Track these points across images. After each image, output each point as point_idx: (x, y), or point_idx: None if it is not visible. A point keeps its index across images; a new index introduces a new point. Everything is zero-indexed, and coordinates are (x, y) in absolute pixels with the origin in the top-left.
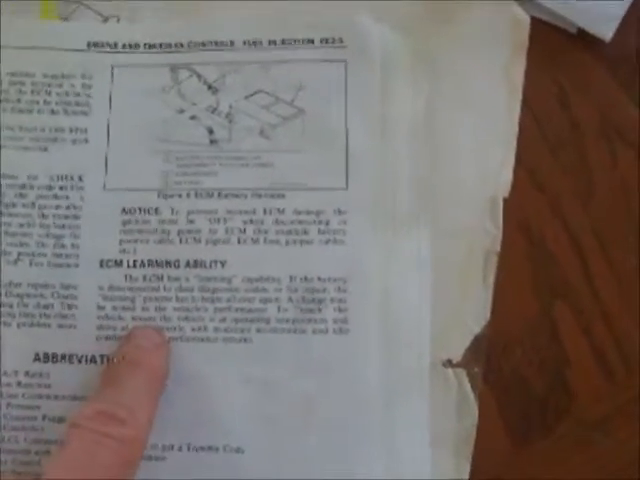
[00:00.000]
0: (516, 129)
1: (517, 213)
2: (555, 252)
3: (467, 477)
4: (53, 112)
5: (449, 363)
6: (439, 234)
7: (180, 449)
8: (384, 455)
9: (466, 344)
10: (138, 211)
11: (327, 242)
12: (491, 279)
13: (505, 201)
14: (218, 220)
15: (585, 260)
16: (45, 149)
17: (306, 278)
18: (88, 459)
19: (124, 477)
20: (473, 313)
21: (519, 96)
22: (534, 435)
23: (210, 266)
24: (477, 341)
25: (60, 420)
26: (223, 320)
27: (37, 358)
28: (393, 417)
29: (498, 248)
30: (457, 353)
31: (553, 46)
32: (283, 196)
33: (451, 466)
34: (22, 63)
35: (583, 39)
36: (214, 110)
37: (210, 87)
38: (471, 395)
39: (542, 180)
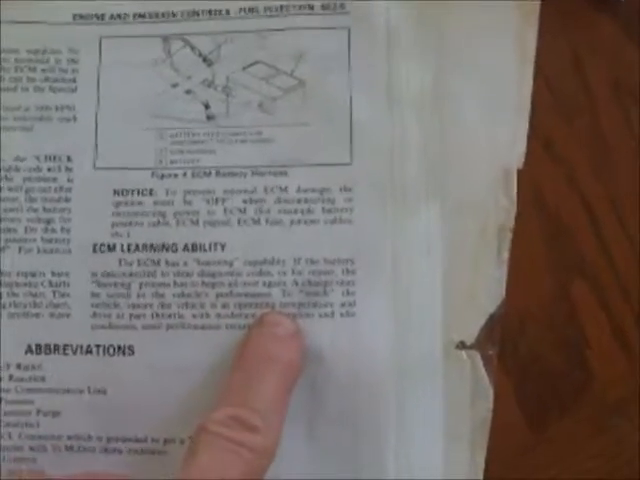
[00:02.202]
0: (529, 97)
1: (531, 186)
2: (571, 226)
3: (483, 463)
4: (38, 89)
5: (462, 345)
6: (450, 209)
7: (182, 442)
8: (395, 443)
9: (480, 324)
10: (131, 192)
11: (333, 222)
12: (505, 255)
13: (519, 173)
14: (216, 200)
15: (602, 234)
16: (31, 129)
17: (311, 260)
18: (220, 469)
19: None
20: (487, 292)
21: (531, 62)
22: (551, 418)
23: (209, 249)
24: (491, 321)
25: (55, 414)
26: (225, 306)
27: (29, 350)
28: (404, 403)
29: (512, 223)
30: (471, 334)
31: (566, 8)
32: (285, 173)
33: (466, 452)
34: (5, 39)
35: None
36: (210, 83)
37: (205, 59)
38: (485, 378)
39: (557, 150)
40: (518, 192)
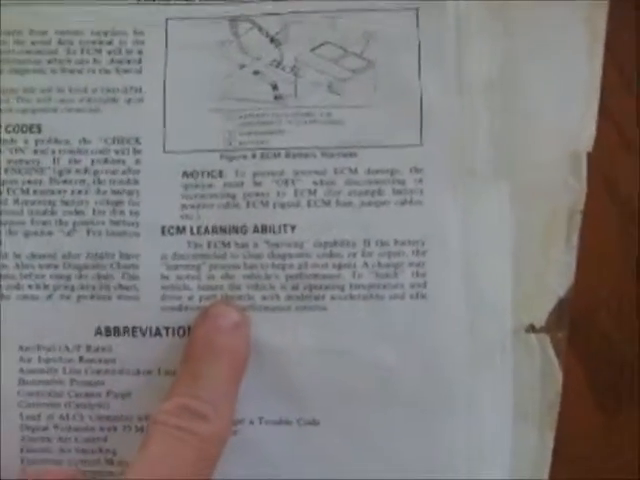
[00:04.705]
0: (598, 82)
1: (602, 169)
2: None
3: (551, 448)
4: (104, 71)
5: (532, 328)
6: (519, 192)
7: (252, 422)
8: (465, 427)
9: (549, 308)
10: (200, 174)
11: (403, 203)
12: (575, 239)
13: (589, 156)
14: (286, 182)
15: None
16: (97, 110)
17: (382, 241)
18: (171, 458)
19: (205, 476)
20: (556, 275)
21: (601, 44)
22: (623, 403)
23: (279, 231)
24: (561, 305)
25: (125, 396)
26: (295, 287)
27: (99, 332)
28: (475, 386)
29: (582, 207)
30: (540, 318)
31: None
32: (355, 155)
33: (535, 437)
34: (70, 21)
35: None
36: (278, 64)
37: (273, 40)
38: (555, 361)
39: (628, 133)
40: (589, 176)
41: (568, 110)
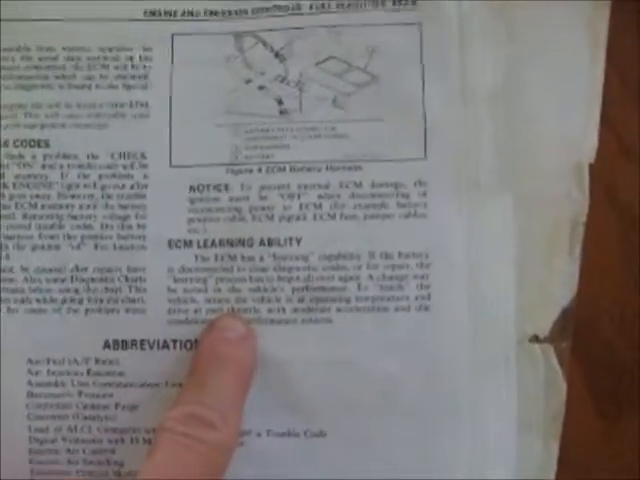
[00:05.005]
0: (600, 90)
1: (604, 180)
2: None
3: (556, 457)
4: (111, 87)
5: (536, 339)
6: (523, 203)
7: (259, 435)
8: (470, 437)
9: (553, 318)
10: (207, 188)
11: (407, 216)
12: (578, 249)
13: (591, 167)
14: (292, 195)
15: None
16: (105, 126)
17: (386, 254)
18: (178, 465)
19: None
20: (560, 286)
21: (603, 54)
22: (624, 410)
23: (285, 244)
24: (564, 315)
25: (133, 408)
26: (301, 300)
27: (107, 345)
28: (479, 397)
29: (584, 218)
30: (544, 328)
31: None
32: (359, 168)
33: (539, 446)
34: (77, 37)
35: None
36: (283, 79)
37: (277, 55)
38: (559, 371)
39: (630, 144)
40: (591, 186)
41: (570, 120)
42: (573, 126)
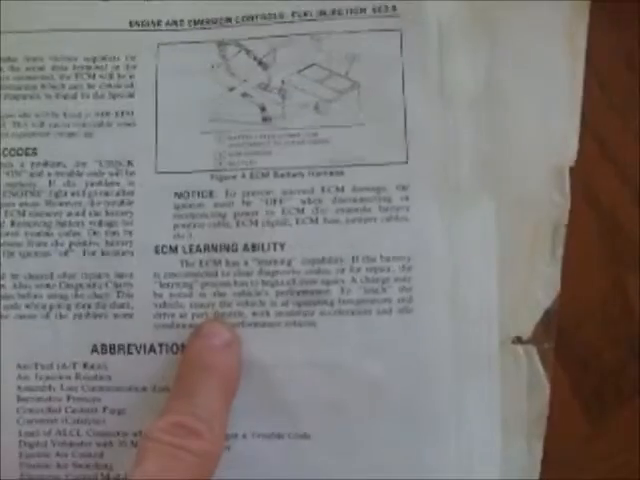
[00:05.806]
0: (580, 94)
1: (585, 183)
2: (625, 222)
3: (540, 458)
4: (98, 96)
5: (519, 340)
6: (505, 206)
7: (245, 437)
8: (454, 438)
9: (536, 319)
10: (192, 194)
11: (389, 219)
12: (560, 252)
13: (572, 170)
14: (275, 201)
15: None
16: (92, 134)
17: (369, 258)
18: (167, 474)
19: None
20: (542, 287)
21: (582, 59)
22: (608, 411)
23: (269, 248)
24: (547, 316)
25: (121, 412)
26: (285, 304)
27: (95, 349)
28: (462, 399)
29: (566, 220)
30: (527, 329)
31: (617, 4)
32: (342, 173)
33: (523, 447)
34: (63, 46)
35: None
36: (266, 86)
37: (260, 62)
38: (542, 372)
39: (610, 148)
40: (571, 189)
41: (551, 124)
42: (554, 129)
